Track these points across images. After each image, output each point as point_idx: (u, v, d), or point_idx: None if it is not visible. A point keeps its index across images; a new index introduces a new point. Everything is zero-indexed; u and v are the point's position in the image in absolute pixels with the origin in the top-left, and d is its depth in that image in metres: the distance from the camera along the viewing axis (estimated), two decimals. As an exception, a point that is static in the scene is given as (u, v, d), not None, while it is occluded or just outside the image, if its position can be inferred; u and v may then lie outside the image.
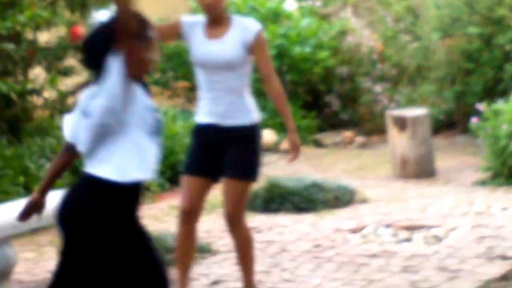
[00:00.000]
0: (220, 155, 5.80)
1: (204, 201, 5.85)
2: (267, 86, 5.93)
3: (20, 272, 5.18)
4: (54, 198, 6.66)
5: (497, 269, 6.05)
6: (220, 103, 5.76)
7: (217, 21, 5.79)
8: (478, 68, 10.81)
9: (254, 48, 5.82)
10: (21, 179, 7.79)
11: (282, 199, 8.21)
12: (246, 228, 5.91)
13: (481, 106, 9.46)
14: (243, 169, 5.76)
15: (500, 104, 9.18)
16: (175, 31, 6.03)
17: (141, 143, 4.03)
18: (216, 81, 5.77)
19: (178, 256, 5.95)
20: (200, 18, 5.86)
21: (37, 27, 8.57)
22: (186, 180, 5.84)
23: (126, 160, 4.01)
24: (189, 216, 5.74)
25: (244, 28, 5.66)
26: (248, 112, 5.69)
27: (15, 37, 8.62)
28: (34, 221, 5.84)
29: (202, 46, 5.78)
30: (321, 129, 12.06)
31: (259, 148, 5.94)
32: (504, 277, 5.88)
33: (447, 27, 11.20)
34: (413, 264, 6.28)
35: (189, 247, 5.90)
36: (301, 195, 8.22)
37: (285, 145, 11.19)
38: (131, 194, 4.27)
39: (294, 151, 5.91)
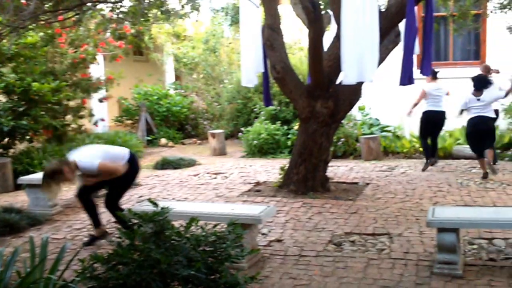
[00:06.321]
0: None
1: None
2: None
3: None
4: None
5: (247, 187, 6.15)
6: None
7: None
8: (241, 115, 10.58)
9: None
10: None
11: (168, 164, 7.98)
12: None
13: (243, 129, 9.46)
14: None
15: (249, 128, 9.20)
16: None
17: None
18: None
19: None
20: None
21: (69, 99, 7.98)
22: None
23: None
24: None
25: None
26: None
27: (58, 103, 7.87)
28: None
29: None
30: (184, 138, 11.54)
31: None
32: (250, 190, 5.99)
33: (231, 99, 10.98)
34: (217, 187, 6.28)
35: None
36: (175, 163, 7.99)
37: (164, 141, 10.78)
38: None
39: None
